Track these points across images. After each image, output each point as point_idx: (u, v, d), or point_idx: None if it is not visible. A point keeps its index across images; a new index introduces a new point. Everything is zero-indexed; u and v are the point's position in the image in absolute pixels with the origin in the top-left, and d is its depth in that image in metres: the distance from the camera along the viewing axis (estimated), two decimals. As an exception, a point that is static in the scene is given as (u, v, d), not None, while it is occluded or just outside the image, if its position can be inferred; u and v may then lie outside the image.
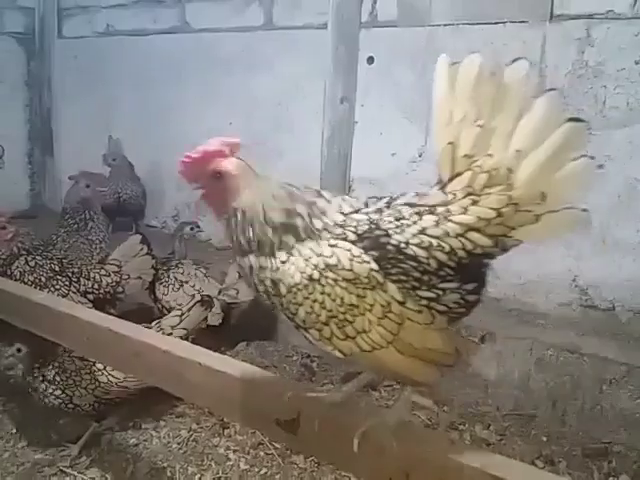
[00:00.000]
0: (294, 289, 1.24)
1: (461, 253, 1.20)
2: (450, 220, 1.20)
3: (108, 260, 3.12)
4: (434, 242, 1.20)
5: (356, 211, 1.31)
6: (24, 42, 4.84)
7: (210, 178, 1.38)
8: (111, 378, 2.47)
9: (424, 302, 1.23)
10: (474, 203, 1.19)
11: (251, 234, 1.30)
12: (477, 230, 1.19)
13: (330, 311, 1.22)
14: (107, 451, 2.50)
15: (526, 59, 1.14)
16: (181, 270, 3.17)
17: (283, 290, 1.25)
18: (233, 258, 1.39)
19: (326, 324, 1.24)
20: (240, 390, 1.56)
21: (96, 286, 3.03)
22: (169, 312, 3.05)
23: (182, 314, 2.62)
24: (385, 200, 1.32)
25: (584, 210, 1.14)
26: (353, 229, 1.26)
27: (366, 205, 1.33)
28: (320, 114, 3.65)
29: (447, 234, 1.20)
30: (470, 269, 1.23)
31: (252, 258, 1.29)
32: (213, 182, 1.39)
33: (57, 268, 3.00)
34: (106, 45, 4.64)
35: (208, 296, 2.77)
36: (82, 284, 3.01)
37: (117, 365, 2.05)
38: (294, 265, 1.24)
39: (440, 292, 1.23)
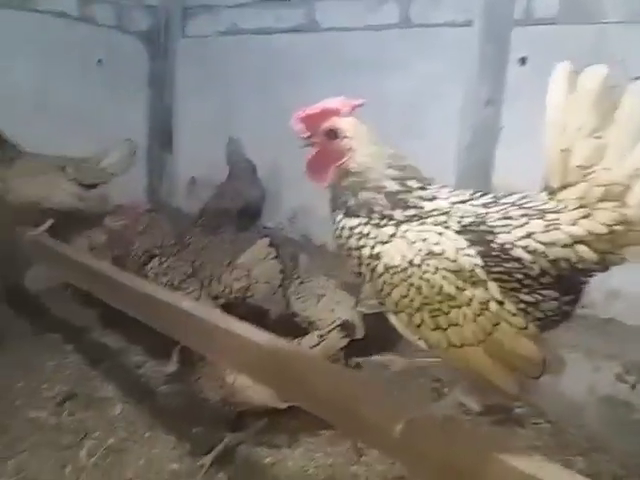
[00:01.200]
0: (392, 270, 1.22)
1: (564, 264, 1.17)
2: (559, 229, 1.17)
3: (237, 264, 3.04)
4: (540, 248, 1.17)
5: (462, 202, 1.28)
6: (148, 41, 4.90)
7: (324, 136, 1.40)
8: (237, 381, 2.38)
9: (522, 305, 1.20)
10: (586, 216, 1.16)
11: (361, 198, 1.30)
12: (585, 244, 1.16)
13: (426, 298, 1.19)
14: (242, 468, 2.39)
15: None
16: (315, 283, 3.03)
17: (380, 268, 1.24)
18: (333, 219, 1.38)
19: (419, 310, 1.21)
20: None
21: (227, 290, 2.96)
22: (308, 326, 2.94)
23: (322, 336, 2.48)
24: (491, 196, 1.30)
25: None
26: (458, 219, 1.24)
27: (472, 197, 1.30)
28: (457, 119, 3.40)
29: (554, 243, 1.17)
30: (570, 281, 1.20)
31: (354, 221, 1.29)
32: (326, 140, 1.39)
33: (190, 271, 2.95)
34: (229, 44, 4.60)
35: (350, 322, 2.62)
36: (213, 288, 2.94)
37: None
38: (396, 246, 1.23)
39: (540, 297, 1.20)
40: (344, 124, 1.42)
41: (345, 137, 1.40)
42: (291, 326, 3.06)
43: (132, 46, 4.81)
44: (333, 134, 1.41)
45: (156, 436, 2.53)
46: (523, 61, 3.18)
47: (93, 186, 3.26)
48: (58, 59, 4.26)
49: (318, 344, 2.44)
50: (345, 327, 2.49)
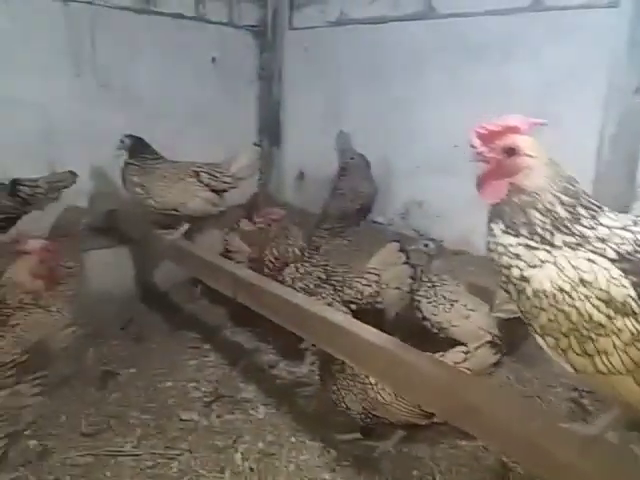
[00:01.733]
0: (541, 294, 1.22)
1: None
2: None
3: (367, 268, 3.02)
4: None
5: (622, 227, 1.25)
6: (257, 35, 4.93)
7: (501, 153, 1.40)
8: (379, 396, 2.38)
9: None
10: None
11: (528, 217, 1.31)
12: None
13: (574, 324, 1.19)
14: (393, 480, 2.42)
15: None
16: (447, 287, 2.96)
17: (529, 292, 1.25)
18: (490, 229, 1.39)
19: (566, 336, 1.21)
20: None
21: (358, 296, 2.96)
22: (439, 332, 2.90)
23: (468, 352, 2.42)
24: None
25: None
26: (615, 246, 1.21)
27: (635, 223, 1.26)
28: (598, 109, 3.16)
29: None
30: None
31: (512, 240, 1.31)
32: (503, 157, 1.40)
33: (323, 276, 2.98)
34: (338, 35, 4.52)
35: (499, 338, 2.53)
36: (346, 293, 2.95)
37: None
38: (547, 272, 1.22)
39: None
40: (524, 142, 1.41)
41: (523, 155, 1.39)
42: (416, 329, 3.03)
43: (243, 41, 4.86)
44: (512, 151, 1.41)
45: (301, 442, 2.60)
46: (680, 44, 2.88)
47: (224, 191, 3.36)
48: (175, 60, 4.38)
49: (464, 361, 2.38)
50: (495, 345, 2.42)
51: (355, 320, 2.29)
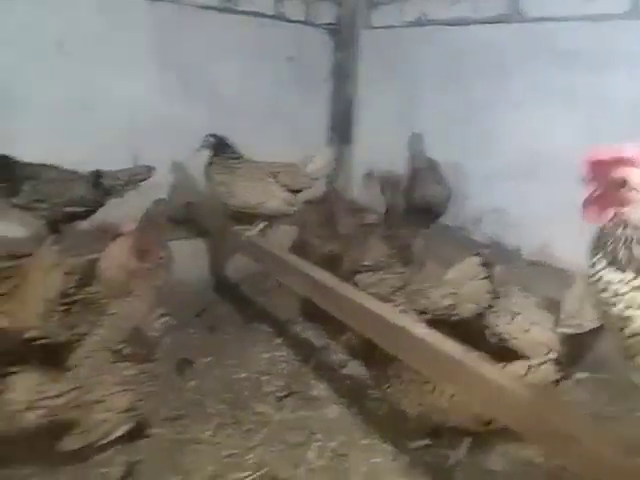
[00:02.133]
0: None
1: None
2: None
3: (445, 279, 3.01)
4: None
5: None
6: (333, 33, 4.96)
7: (612, 183, 1.39)
8: (437, 402, 2.39)
9: None
10: None
11: (635, 253, 1.31)
12: None
13: None
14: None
15: None
16: (512, 299, 2.91)
17: (627, 332, 1.27)
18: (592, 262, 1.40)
19: None
20: None
21: (433, 307, 2.94)
22: (500, 342, 2.86)
23: (530, 367, 2.39)
24: None
25: None
26: None
27: None
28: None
29: None
30: None
31: (615, 276, 1.31)
32: (613, 187, 1.39)
33: (398, 284, 2.99)
34: (416, 36, 4.49)
35: (563, 355, 2.49)
36: (420, 302, 2.95)
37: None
38: None
39: None
40: (636, 177, 1.38)
41: (634, 190, 1.38)
42: (475, 334, 3.00)
43: (319, 40, 4.90)
44: (623, 184, 1.40)
45: (373, 444, 2.64)
46: None
47: (299, 191, 3.43)
48: (254, 58, 4.48)
49: (525, 375, 2.36)
50: (559, 364, 2.38)
51: (438, 334, 2.31)
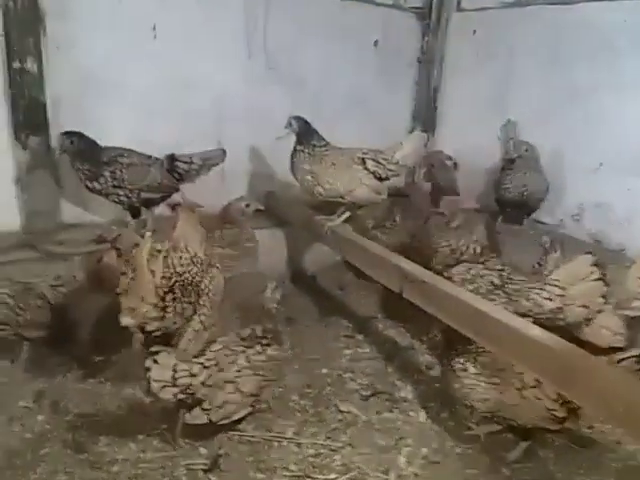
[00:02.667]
0: None
1: None
2: None
3: (550, 279, 2.73)
4: None
5: None
6: (422, 17, 4.72)
7: None
8: (504, 397, 2.27)
9: None
10: None
11: None
12: None
13: None
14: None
15: None
16: None
17: None
18: None
19: None
20: None
21: (536, 309, 2.68)
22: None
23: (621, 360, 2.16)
24: None
25: None
26: None
27: None
28: None
29: None
30: None
31: None
32: None
33: (497, 282, 2.75)
34: (512, 17, 4.19)
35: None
36: (521, 304, 2.70)
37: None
38: None
39: None
40: None
41: None
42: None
43: (406, 24, 4.69)
44: None
45: (468, 454, 2.44)
46: None
47: (387, 179, 3.24)
48: (339, 42, 4.32)
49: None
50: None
51: (532, 325, 2.10)
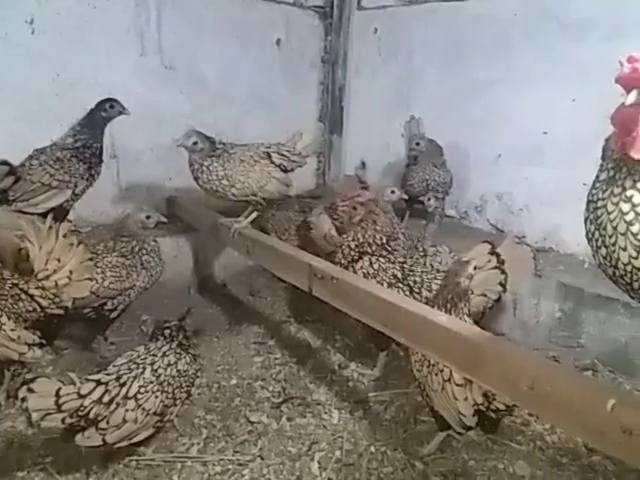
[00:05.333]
0: None
1: None
2: None
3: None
4: None
5: None
6: (324, 16, 4.69)
7: None
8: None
9: None
10: None
11: None
12: None
13: None
14: None
15: None
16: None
17: None
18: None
19: None
20: None
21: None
22: None
23: None
24: None
25: None
26: None
27: None
28: None
29: None
30: None
31: None
32: None
33: (399, 275, 2.70)
34: (412, 14, 4.23)
35: None
36: (423, 295, 2.66)
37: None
38: None
39: None
40: None
41: None
42: None
43: (308, 23, 4.64)
44: None
45: (382, 452, 2.35)
46: None
47: (291, 170, 3.13)
48: (240, 41, 4.19)
49: None
50: None
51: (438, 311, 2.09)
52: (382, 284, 2.66)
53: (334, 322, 3.30)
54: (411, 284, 2.70)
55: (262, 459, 2.29)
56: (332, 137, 4.93)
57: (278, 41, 4.41)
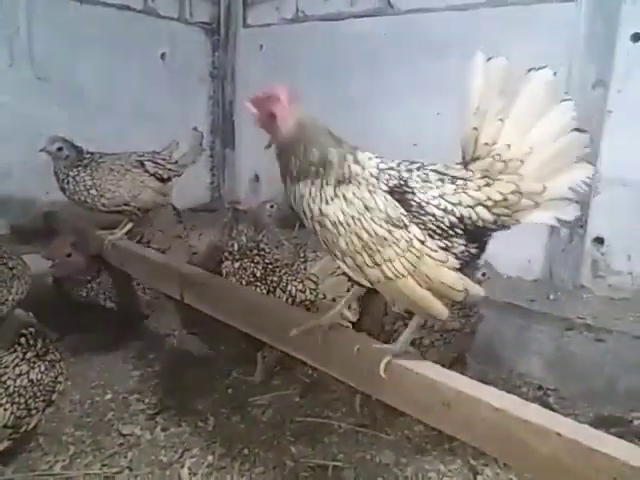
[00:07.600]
0: (337, 224, 1.51)
1: (467, 221, 1.50)
2: (465, 193, 1.51)
3: (307, 275, 2.83)
4: (449, 206, 1.50)
5: (390, 168, 1.60)
6: (210, 32, 4.75)
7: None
8: None
9: (442, 244, 1.50)
10: (488, 185, 1.50)
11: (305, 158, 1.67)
12: (484, 206, 1.49)
13: (364, 242, 1.49)
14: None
15: (550, 68, 1.43)
16: None
17: (328, 224, 1.52)
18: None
19: (359, 253, 1.50)
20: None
21: (290, 300, 2.71)
22: None
23: None
24: (417, 165, 1.62)
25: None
26: (385, 182, 1.55)
27: (398, 165, 1.62)
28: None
29: (460, 203, 1.50)
30: (474, 234, 1.52)
31: (302, 186, 1.60)
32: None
33: (259, 274, 2.75)
34: (294, 33, 4.39)
35: None
36: (277, 295, 2.72)
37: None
38: (339, 205, 1.51)
39: (449, 243, 1.50)
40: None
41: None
42: None
43: (195, 38, 4.68)
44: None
45: (255, 453, 2.38)
46: (637, 37, 2.88)
47: (169, 179, 3.13)
48: (121, 54, 4.14)
49: None
50: None
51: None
52: (242, 281, 2.72)
53: (219, 332, 3.28)
54: (269, 283, 2.76)
55: (131, 470, 2.24)
56: (225, 151, 4.98)
57: (163, 55, 4.40)
